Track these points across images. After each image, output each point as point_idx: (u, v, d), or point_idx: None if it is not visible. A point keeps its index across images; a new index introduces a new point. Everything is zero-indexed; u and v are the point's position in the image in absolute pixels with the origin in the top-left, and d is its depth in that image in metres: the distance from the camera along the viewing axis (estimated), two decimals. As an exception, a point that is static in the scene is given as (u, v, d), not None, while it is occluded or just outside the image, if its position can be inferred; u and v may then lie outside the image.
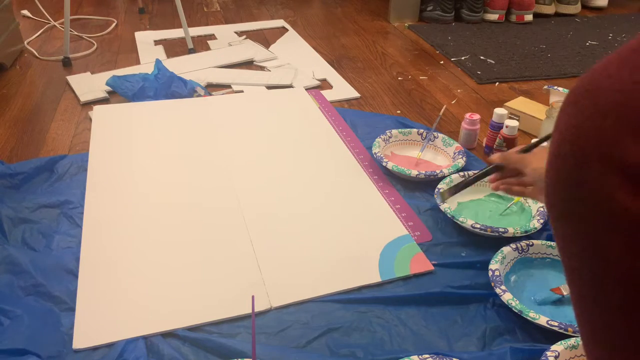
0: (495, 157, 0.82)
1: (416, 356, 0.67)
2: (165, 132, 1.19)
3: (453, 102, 1.43)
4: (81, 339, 0.70)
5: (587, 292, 0.26)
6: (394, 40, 1.88)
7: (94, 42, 1.77)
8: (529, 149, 0.81)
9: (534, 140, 0.83)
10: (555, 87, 1.24)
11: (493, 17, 2.04)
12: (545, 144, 0.83)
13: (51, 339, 0.70)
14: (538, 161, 0.76)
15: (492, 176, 0.83)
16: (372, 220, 0.92)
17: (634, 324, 0.24)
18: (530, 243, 0.84)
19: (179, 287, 0.79)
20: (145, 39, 1.81)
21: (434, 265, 0.84)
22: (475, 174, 0.87)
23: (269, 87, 1.46)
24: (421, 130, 1.16)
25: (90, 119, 1.26)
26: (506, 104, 1.28)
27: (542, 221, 0.90)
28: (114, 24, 1.94)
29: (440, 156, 1.13)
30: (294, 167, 1.08)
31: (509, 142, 1.09)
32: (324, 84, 1.51)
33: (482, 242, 0.89)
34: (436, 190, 0.96)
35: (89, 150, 1.11)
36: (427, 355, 0.67)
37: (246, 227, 0.91)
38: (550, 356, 0.65)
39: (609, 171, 0.22)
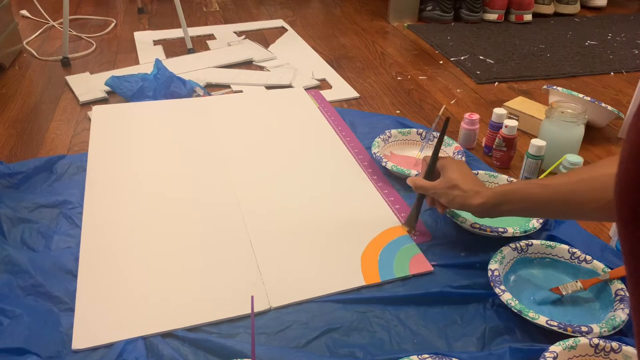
0: (412, 183, 0.86)
1: (415, 356, 0.67)
2: (165, 132, 1.19)
3: (452, 102, 1.43)
4: (80, 339, 0.70)
5: None
6: (393, 40, 1.88)
7: (93, 42, 1.77)
8: (430, 169, 0.85)
9: (428, 161, 0.86)
10: (555, 87, 1.24)
11: (492, 17, 2.04)
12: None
13: (50, 339, 0.70)
14: (454, 170, 0.81)
15: (428, 201, 0.88)
16: (371, 220, 0.92)
17: None
18: (530, 243, 0.84)
19: (179, 288, 0.79)
20: (144, 39, 1.81)
21: (433, 265, 0.84)
22: (414, 205, 0.90)
23: (268, 87, 1.46)
24: (420, 130, 1.16)
25: (90, 119, 1.26)
26: (505, 103, 1.28)
27: (541, 221, 0.90)
28: (113, 24, 1.94)
29: (439, 156, 1.13)
30: (294, 168, 1.08)
31: (508, 142, 1.09)
32: (323, 84, 1.51)
33: (481, 242, 0.89)
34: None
35: (88, 151, 1.11)
36: (426, 355, 0.67)
37: (245, 227, 0.91)
38: (548, 357, 0.65)
39: None
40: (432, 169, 0.86)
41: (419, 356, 0.67)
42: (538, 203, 0.72)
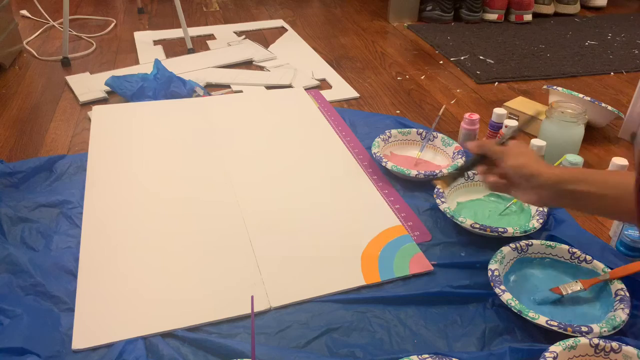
0: (473, 145, 0.78)
1: (416, 356, 0.67)
2: (165, 132, 1.19)
3: (452, 102, 1.43)
4: (80, 340, 0.70)
5: None
6: (393, 40, 1.88)
7: (93, 42, 1.77)
8: (504, 142, 0.78)
9: (506, 133, 0.80)
10: (555, 87, 1.24)
11: (492, 17, 2.04)
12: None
13: (50, 339, 0.70)
14: (514, 157, 0.73)
15: (479, 167, 0.80)
16: (371, 220, 0.92)
17: None
18: (530, 243, 0.84)
19: (179, 288, 0.79)
20: (144, 39, 1.81)
21: (433, 265, 0.84)
22: (462, 164, 0.83)
23: (268, 87, 1.46)
24: (420, 130, 1.16)
25: (90, 119, 1.26)
26: (505, 103, 1.28)
27: (541, 221, 0.90)
28: (113, 24, 1.94)
29: (439, 156, 1.13)
30: (294, 168, 1.08)
31: (508, 142, 1.09)
32: (323, 84, 1.51)
33: (481, 242, 0.89)
34: (435, 190, 0.95)
35: (88, 151, 1.11)
36: (426, 356, 0.67)
37: (245, 227, 0.91)
38: (548, 357, 0.65)
39: None
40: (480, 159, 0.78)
41: (419, 356, 0.67)
42: (617, 191, 0.63)
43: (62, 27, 1.72)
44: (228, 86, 1.47)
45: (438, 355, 0.67)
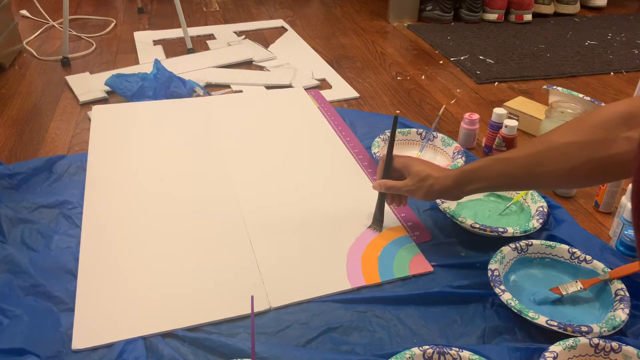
0: (376, 186, 0.88)
1: (417, 348, 0.67)
2: (165, 132, 1.19)
3: (452, 102, 1.43)
4: (80, 340, 0.70)
5: None
6: (393, 40, 1.88)
7: (92, 42, 1.77)
8: (387, 169, 0.86)
9: (382, 166, 0.88)
10: (555, 87, 1.24)
11: (492, 16, 2.04)
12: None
13: (50, 339, 0.70)
14: (418, 164, 0.83)
15: (389, 199, 0.90)
16: (371, 220, 0.92)
17: None
18: (530, 243, 0.84)
19: (179, 288, 0.79)
20: (144, 38, 1.81)
21: (433, 265, 0.84)
22: (376, 207, 0.91)
23: (268, 87, 1.46)
24: (420, 130, 1.16)
25: (89, 119, 1.26)
26: (505, 103, 1.28)
27: (541, 221, 0.90)
28: (112, 24, 1.94)
29: (439, 156, 1.13)
30: (294, 168, 1.08)
31: (508, 142, 1.09)
32: (323, 84, 1.51)
33: (481, 242, 0.89)
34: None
35: (88, 151, 1.11)
36: (427, 347, 0.67)
37: (245, 227, 0.91)
38: (548, 357, 0.65)
39: None
40: (389, 168, 0.86)
41: (420, 348, 0.67)
42: (503, 178, 0.75)
43: (62, 27, 1.72)
44: (228, 86, 1.47)
45: (438, 346, 0.67)
